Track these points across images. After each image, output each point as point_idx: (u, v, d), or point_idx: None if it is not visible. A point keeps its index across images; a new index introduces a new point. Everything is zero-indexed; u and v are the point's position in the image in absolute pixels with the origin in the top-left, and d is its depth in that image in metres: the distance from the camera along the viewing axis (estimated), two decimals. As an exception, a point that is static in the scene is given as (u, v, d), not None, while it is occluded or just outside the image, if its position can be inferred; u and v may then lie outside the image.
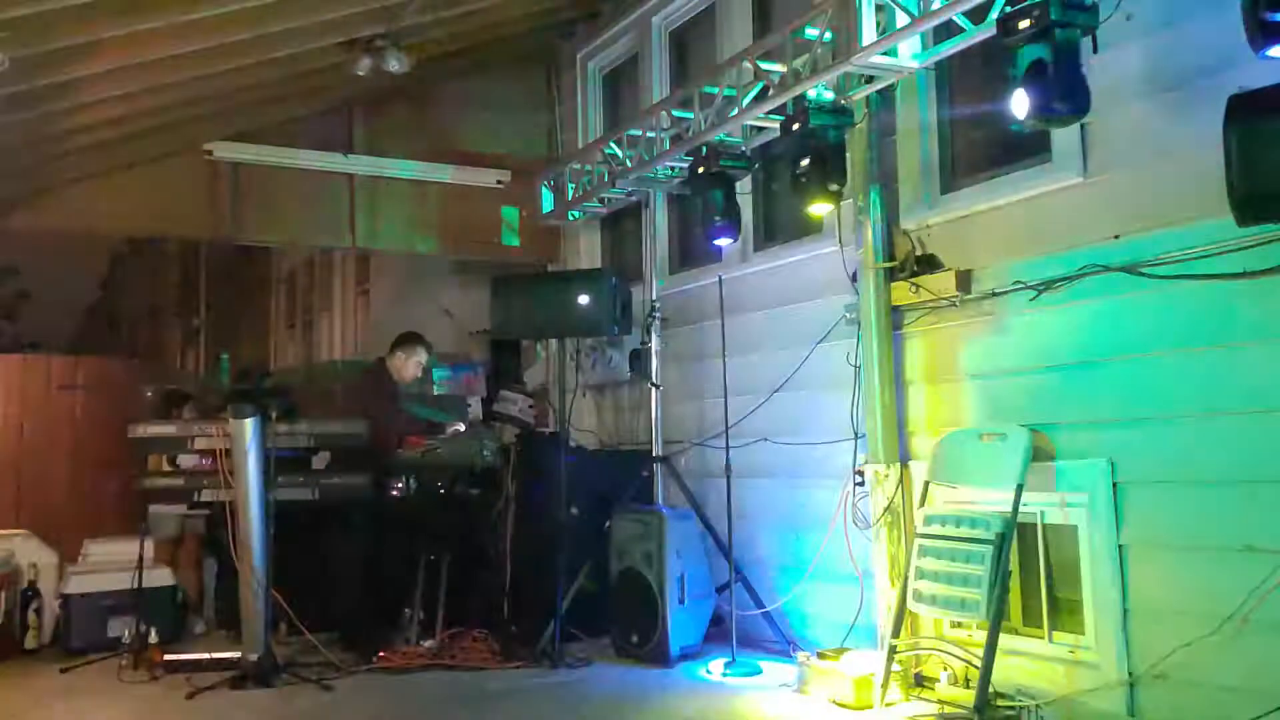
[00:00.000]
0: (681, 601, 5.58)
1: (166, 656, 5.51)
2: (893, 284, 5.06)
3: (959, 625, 4.68)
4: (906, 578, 4.59)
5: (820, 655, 4.94)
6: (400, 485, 6.13)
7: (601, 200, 6.86)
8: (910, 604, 4.54)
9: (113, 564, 6.36)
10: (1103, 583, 4.15)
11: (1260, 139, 3.18)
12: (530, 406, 7.76)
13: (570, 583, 5.89)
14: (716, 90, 5.44)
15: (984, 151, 4.98)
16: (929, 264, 4.95)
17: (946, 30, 4.43)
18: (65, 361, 8.93)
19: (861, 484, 5.11)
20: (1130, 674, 4.00)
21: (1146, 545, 4.00)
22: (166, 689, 5.21)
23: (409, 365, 6.55)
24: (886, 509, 4.96)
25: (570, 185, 7.02)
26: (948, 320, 4.88)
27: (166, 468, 6.67)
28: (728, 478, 5.64)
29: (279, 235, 7.87)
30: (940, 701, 4.57)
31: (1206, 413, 3.81)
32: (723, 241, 5.79)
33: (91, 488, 8.19)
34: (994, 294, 4.63)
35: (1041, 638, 4.48)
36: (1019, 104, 3.75)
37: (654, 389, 6.28)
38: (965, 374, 4.80)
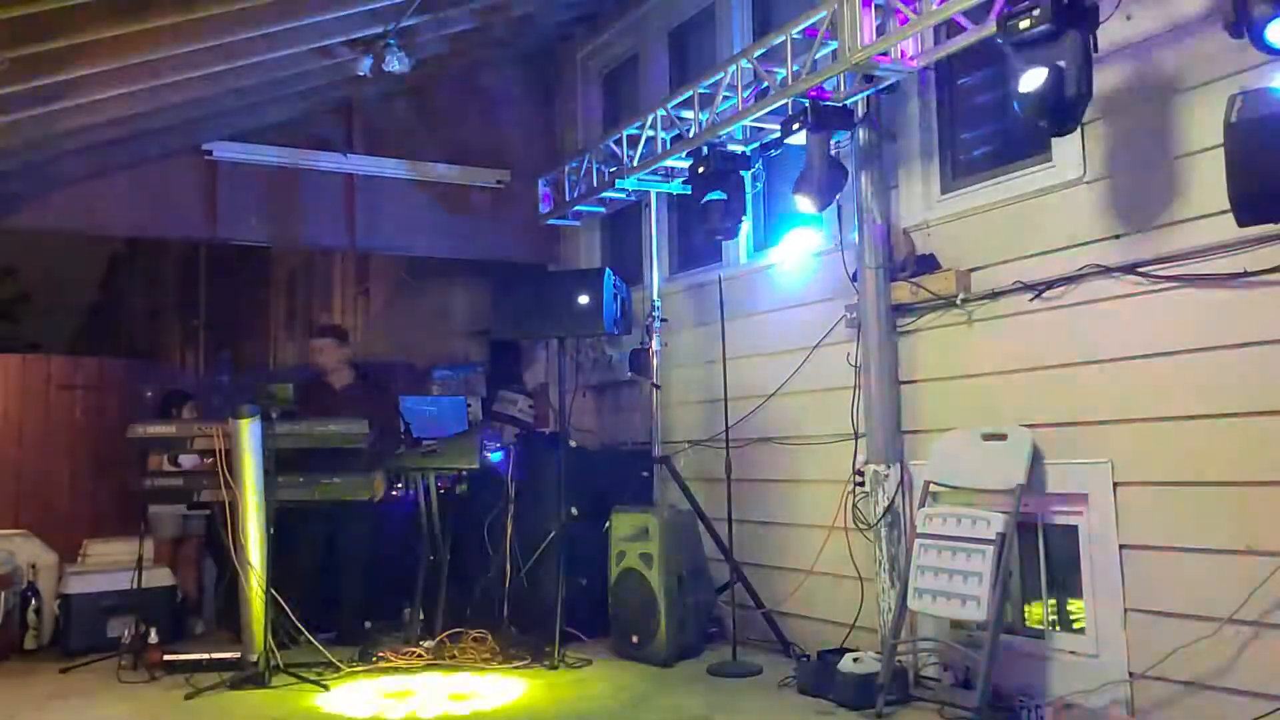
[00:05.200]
0: (681, 602, 5.58)
1: (166, 656, 5.50)
2: (893, 284, 5.06)
3: (959, 625, 4.68)
4: (907, 578, 4.59)
5: (820, 655, 4.94)
6: (400, 485, 6.13)
7: (601, 200, 6.87)
8: (910, 604, 4.54)
9: (112, 564, 6.37)
10: (1103, 583, 4.15)
11: (1260, 139, 3.18)
12: (530, 406, 7.77)
13: (570, 583, 5.89)
14: (716, 90, 5.44)
15: (984, 151, 4.98)
16: (929, 264, 4.95)
17: (946, 30, 4.44)
18: (65, 361, 8.93)
19: (861, 484, 5.11)
20: (1130, 674, 4.00)
21: (1146, 545, 4.00)
22: (166, 689, 5.21)
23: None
24: (887, 509, 4.97)
25: (570, 185, 7.03)
26: (948, 320, 4.88)
27: (167, 468, 6.70)
28: (728, 478, 5.64)
29: (278, 236, 7.87)
30: (940, 702, 4.57)
31: (1206, 413, 3.80)
32: (723, 237, 5.79)
33: (91, 488, 8.20)
34: (994, 294, 4.63)
35: (1042, 638, 4.49)
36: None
37: (654, 389, 6.28)
38: (965, 374, 4.80)
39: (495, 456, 5.94)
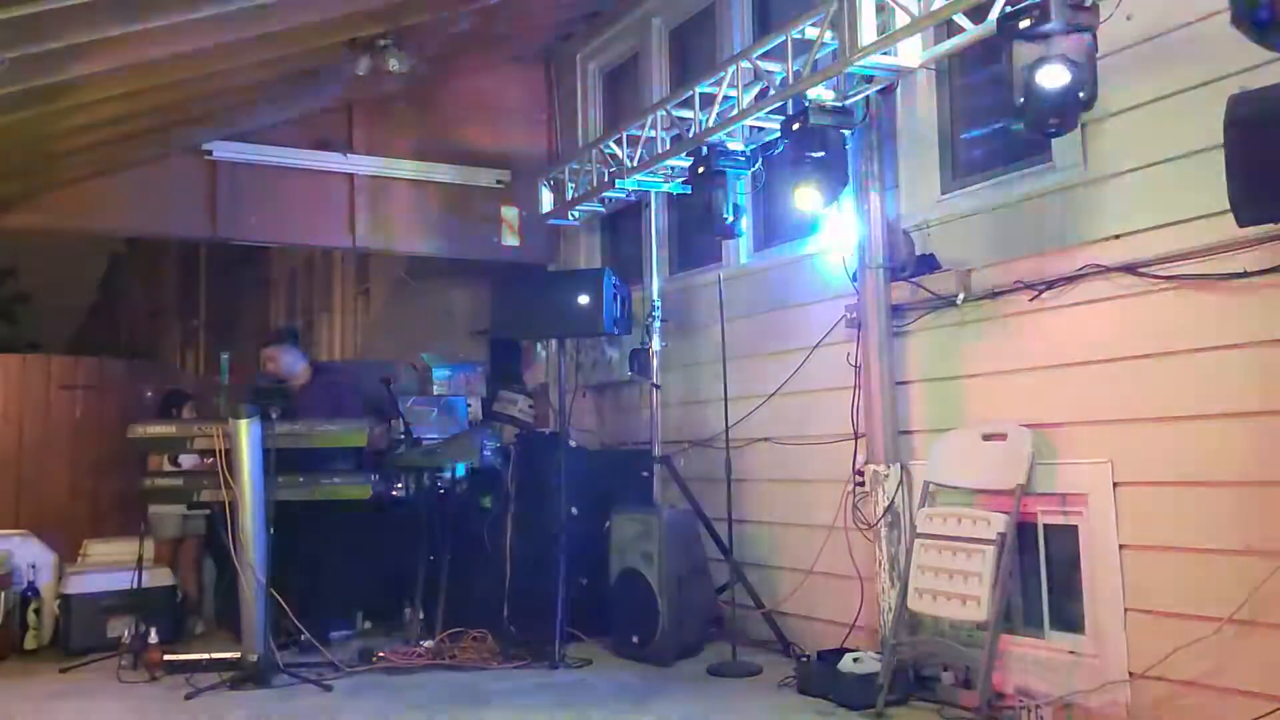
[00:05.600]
0: (681, 602, 5.58)
1: (166, 656, 5.50)
2: (893, 284, 5.06)
3: (959, 625, 4.67)
4: (907, 578, 4.60)
5: (820, 655, 4.94)
6: (400, 485, 6.13)
7: (601, 200, 6.86)
8: (910, 604, 4.55)
9: (113, 564, 6.37)
10: (1103, 583, 4.15)
11: (1260, 139, 3.18)
12: (530, 406, 7.77)
13: (570, 583, 5.89)
14: (716, 90, 5.44)
15: (984, 151, 4.98)
16: (929, 264, 4.95)
17: (947, 30, 4.43)
18: (65, 361, 8.93)
19: (861, 484, 5.11)
20: (1130, 674, 4.00)
21: (1146, 545, 4.00)
22: (166, 689, 5.21)
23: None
24: (887, 509, 4.96)
25: (570, 185, 7.02)
26: (948, 320, 4.88)
27: (167, 468, 6.69)
28: (728, 478, 5.64)
29: (278, 236, 7.88)
30: (940, 702, 4.57)
31: (1206, 413, 3.80)
32: (723, 237, 5.80)
33: (91, 488, 8.20)
34: (994, 294, 4.63)
35: (1041, 638, 4.48)
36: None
37: (654, 389, 6.28)
38: (965, 374, 4.80)
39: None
